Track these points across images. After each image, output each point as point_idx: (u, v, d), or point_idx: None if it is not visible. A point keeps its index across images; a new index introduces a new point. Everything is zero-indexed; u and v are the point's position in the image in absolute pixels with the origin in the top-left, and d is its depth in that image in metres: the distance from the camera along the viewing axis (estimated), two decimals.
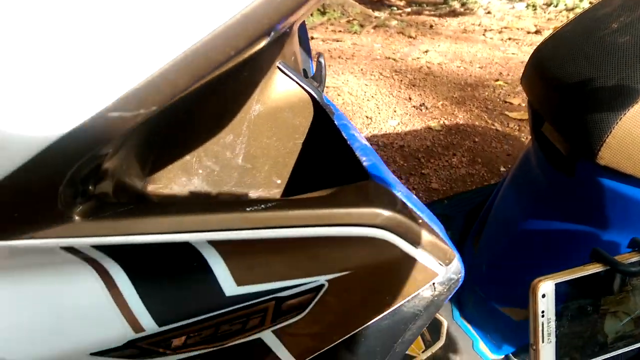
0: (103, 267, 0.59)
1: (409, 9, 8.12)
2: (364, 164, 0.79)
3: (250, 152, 0.99)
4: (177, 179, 0.92)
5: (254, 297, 0.63)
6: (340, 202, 0.61)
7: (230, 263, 0.62)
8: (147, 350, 0.64)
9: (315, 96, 0.97)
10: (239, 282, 0.63)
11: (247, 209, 0.57)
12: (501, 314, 1.44)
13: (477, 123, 3.32)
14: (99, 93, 0.42)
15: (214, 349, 0.67)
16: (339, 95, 3.81)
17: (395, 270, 0.67)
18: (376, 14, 6.77)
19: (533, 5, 7.36)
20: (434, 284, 0.71)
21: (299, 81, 0.95)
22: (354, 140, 0.87)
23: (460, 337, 1.52)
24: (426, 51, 4.90)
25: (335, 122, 0.91)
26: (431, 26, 6.08)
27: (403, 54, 4.83)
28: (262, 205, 0.58)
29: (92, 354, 0.61)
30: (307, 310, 0.67)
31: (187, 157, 0.92)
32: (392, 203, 0.63)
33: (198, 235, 0.56)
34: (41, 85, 0.42)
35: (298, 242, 0.63)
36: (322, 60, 1.04)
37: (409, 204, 0.67)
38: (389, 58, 4.71)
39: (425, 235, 0.66)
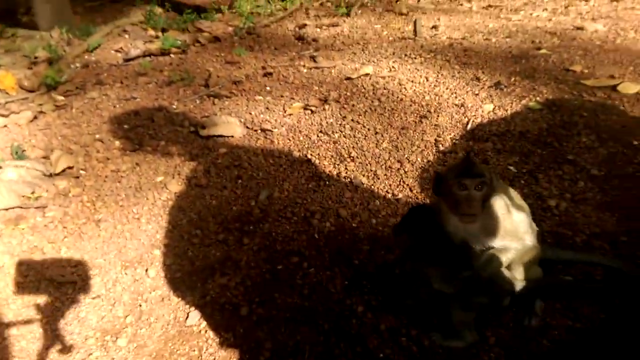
0: None
1: None
2: None
3: None
4: None
5: None
6: None
7: None
8: None
9: None
10: None
11: None
12: None
13: (566, 97, 3.04)
14: None
15: None
16: (401, 85, 3.34)
17: None
18: None
19: None
20: None
21: None
22: None
23: None
24: (434, 27, 4.57)
25: None
26: None
27: (412, 32, 4.40)
28: None
29: None
30: None
31: None
32: None
33: None
34: None
35: None
36: None
37: None
38: (405, 38, 4.30)
39: None
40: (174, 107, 3.37)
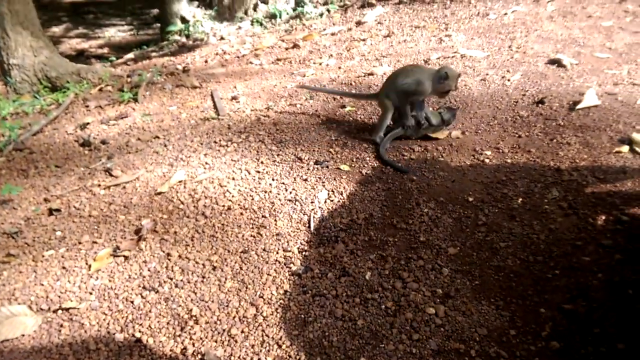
0: None
1: (131, 57, 6.98)
2: None
3: None
4: None
5: None
6: None
7: None
8: None
9: None
10: None
11: None
12: None
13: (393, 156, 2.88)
14: None
15: None
16: (223, 187, 2.78)
17: None
18: (119, 71, 5.48)
19: (257, 21, 7.12)
20: None
21: None
22: None
23: None
24: (234, 97, 4.13)
25: None
26: (208, 68, 5.22)
27: (213, 109, 3.91)
28: None
29: None
30: None
31: None
32: None
33: None
34: None
35: None
36: None
37: None
38: (208, 119, 3.75)
39: None
40: None
